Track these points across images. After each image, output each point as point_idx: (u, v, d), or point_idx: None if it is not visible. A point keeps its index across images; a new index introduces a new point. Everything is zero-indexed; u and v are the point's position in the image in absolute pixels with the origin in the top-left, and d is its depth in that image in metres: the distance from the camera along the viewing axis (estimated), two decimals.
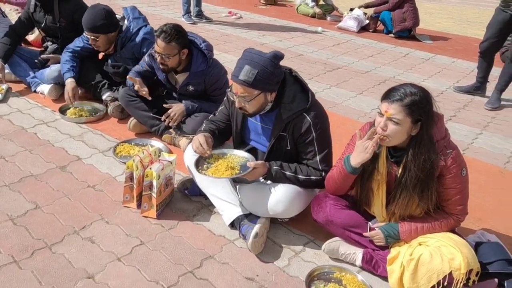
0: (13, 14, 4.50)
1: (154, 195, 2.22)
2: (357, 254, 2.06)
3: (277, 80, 2.08)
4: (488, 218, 2.55)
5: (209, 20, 6.82)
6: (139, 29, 3.27)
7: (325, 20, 7.91)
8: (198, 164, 2.18)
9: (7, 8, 4.62)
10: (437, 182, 1.87)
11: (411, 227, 1.95)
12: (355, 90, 4.50)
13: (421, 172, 1.82)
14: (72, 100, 3.17)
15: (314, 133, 2.12)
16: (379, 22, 7.32)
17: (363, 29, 7.30)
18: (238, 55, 5.29)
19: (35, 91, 3.48)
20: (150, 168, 2.22)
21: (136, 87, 2.90)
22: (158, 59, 2.77)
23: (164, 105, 2.95)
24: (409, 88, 1.80)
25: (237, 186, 2.32)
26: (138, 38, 3.24)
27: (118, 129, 3.11)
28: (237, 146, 2.41)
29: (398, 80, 4.92)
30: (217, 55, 5.10)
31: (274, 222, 2.28)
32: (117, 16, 3.28)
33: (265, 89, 2.04)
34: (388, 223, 2.02)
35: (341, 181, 2.01)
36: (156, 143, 2.94)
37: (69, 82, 3.20)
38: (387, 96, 1.81)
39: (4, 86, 3.42)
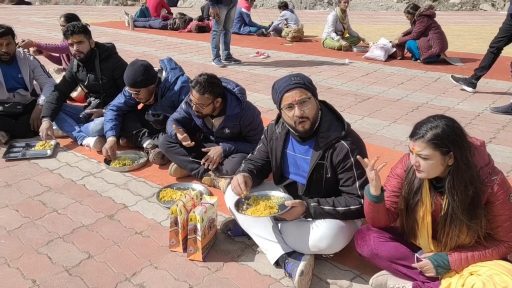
0: (55, 75, 4.83)
1: (199, 238, 2.28)
2: (407, 287, 2.03)
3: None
4: None
5: (238, 62, 7.05)
6: (176, 79, 3.45)
7: (351, 51, 8.02)
8: (238, 205, 2.25)
9: (50, 68, 4.96)
10: (485, 209, 1.84)
11: (461, 256, 1.92)
12: (388, 119, 4.49)
13: (465, 200, 1.81)
14: (110, 157, 3.35)
15: (352, 159, 2.17)
16: (405, 50, 7.35)
17: (390, 57, 7.35)
18: (268, 94, 5.42)
19: (81, 144, 3.69)
20: (194, 212, 2.29)
21: (180, 138, 3.02)
22: (194, 107, 2.92)
23: (203, 149, 3.06)
24: (430, 122, 1.82)
25: (279, 225, 2.35)
26: (176, 87, 3.42)
27: (160, 175, 3.23)
28: (277, 181, 2.47)
29: (431, 106, 4.89)
30: (249, 95, 5.21)
31: (318, 258, 2.28)
32: (155, 68, 3.48)
33: (314, 93, 2.21)
34: (436, 253, 1.99)
35: (371, 212, 2.03)
36: (196, 186, 3.04)
37: (109, 141, 3.41)
38: (412, 133, 1.85)
39: (53, 142, 3.64)
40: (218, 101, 2.93)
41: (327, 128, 2.23)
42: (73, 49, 3.63)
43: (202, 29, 10.14)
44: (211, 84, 2.83)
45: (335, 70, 6.65)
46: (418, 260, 2.04)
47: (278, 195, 2.33)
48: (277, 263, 2.25)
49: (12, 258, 2.31)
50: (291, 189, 2.45)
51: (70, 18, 4.62)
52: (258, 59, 7.41)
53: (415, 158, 1.82)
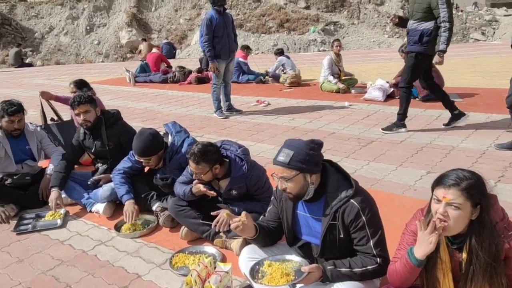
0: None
1: None
2: None
3: (314, 161, 2.18)
4: None
5: (239, 112, 7.16)
6: (183, 141, 3.51)
7: (350, 93, 8.15)
8: (253, 272, 2.23)
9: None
10: (504, 266, 1.81)
11: None
12: (394, 163, 4.51)
13: (489, 257, 1.78)
14: (132, 220, 3.34)
15: (364, 218, 2.16)
16: None
17: (389, 97, 7.46)
18: (272, 143, 5.52)
19: (90, 211, 3.69)
20: (209, 282, 2.26)
21: (203, 190, 3.05)
22: (194, 176, 2.99)
23: (212, 213, 3.06)
24: (461, 172, 1.81)
25: (297, 287, 2.31)
26: (183, 150, 3.46)
27: (171, 238, 3.21)
28: (290, 243, 2.46)
29: (435, 146, 4.92)
30: (252, 145, 5.31)
31: None
32: (161, 133, 3.54)
33: (302, 170, 2.15)
34: None
35: (407, 275, 1.97)
36: (209, 249, 3.01)
37: (129, 204, 3.41)
38: (441, 182, 1.80)
39: (62, 211, 3.64)
40: (217, 168, 2.97)
41: (335, 188, 2.23)
42: (80, 119, 3.72)
43: (202, 80, 10.38)
44: (205, 153, 2.88)
45: (335, 114, 6.74)
46: None
47: (293, 259, 2.31)
48: None
49: None
50: (306, 249, 2.43)
51: (80, 84, 4.74)
52: (259, 108, 7.53)
53: (444, 208, 1.76)
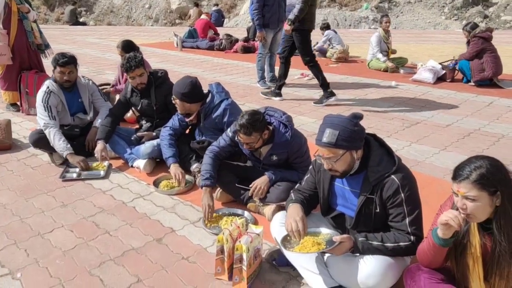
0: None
1: (244, 268, 2.30)
2: None
3: (359, 137, 2.16)
4: None
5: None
6: (221, 101, 3.54)
7: (398, 73, 7.89)
8: (284, 241, 2.26)
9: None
10: None
11: None
12: (437, 146, 4.37)
13: (510, 243, 1.74)
14: (180, 183, 3.41)
15: (402, 195, 2.13)
16: (456, 71, 7.16)
17: (439, 79, 7.17)
18: (313, 117, 5.49)
19: (131, 166, 3.83)
20: (240, 242, 2.31)
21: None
22: (245, 146, 2.98)
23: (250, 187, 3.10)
24: (473, 163, 1.76)
25: (325, 257, 2.33)
26: (220, 110, 3.50)
27: None
28: (324, 213, 2.47)
29: (484, 132, 4.71)
30: (294, 118, 5.23)
31: None
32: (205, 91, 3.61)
33: (349, 148, 2.13)
34: None
35: (433, 255, 1.95)
36: (242, 212, 3.07)
37: (176, 167, 3.47)
38: (454, 176, 1.78)
39: (106, 163, 3.80)
40: (266, 133, 2.97)
41: (377, 163, 2.21)
42: (134, 82, 3.81)
43: (248, 49, 10.33)
44: (254, 123, 2.87)
45: (381, 92, 6.57)
46: None
47: (324, 231, 2.32)
48: None
49: (66, 279, 2.41)
50: (339, 220, 2.44)
51: (128, 47, 4.79)
52: (303, 81, 7.45)
53: (462, 200, 1.75)
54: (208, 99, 3.58)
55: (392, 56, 8.27)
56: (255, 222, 2.97)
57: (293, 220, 2.26)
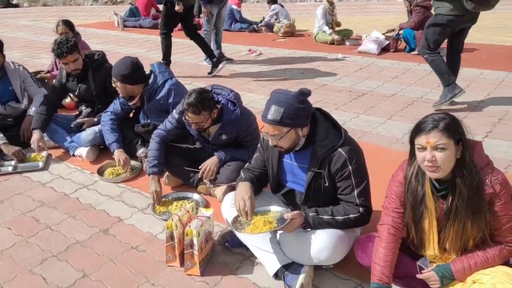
0: None
1: (195, 252, 2.24)
2: None
3: (305, 115, 2.12)
4: None
5: (230, 61, 6.97)
6: (164, 82, 3.39)
7: (344, 45, 7.96)
8: (236, 221, 2.21)
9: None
10: (488, 211, 1.81)
11: (463, 264, 1.88)
12: (383, 116, 4.45)
13: (471, 191, 1.77)
14: (125, 169, 3.26)
15: (350, 168, 2.13)
16: (400, 41, 7.31)
17: (384, 50, 7.30)
18: (262, 94, 5.43)
19: (73, 155, 3.62)
20: (189, 227, 2.24)
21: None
22: (193, 126, 2.86)
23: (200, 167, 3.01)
24: (435, 115, 1.80)
25: (278, 235, 2.31)
26: (164, 90, 3.35)
27: None
28: (275, 190, 2.44)
29: (427, 100, 4.85)
30: (242, 95, 5.13)
31: (318, 268, 2.24)
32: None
33: (294, 125, 2.10)
34: (439, 264, 1.95)
35: None
36: (192, 195, 2.99)
37: (120, 152, 3.31)
38: (420, 129, 1.78)
39: (44, 154, 3.58)
40: (215, 112, 2.88)
41: (324, 137, 2.19)
42: (68, 67, 3.58)
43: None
44: (203, 101, 2.76)
45: (328, 65, 6.60)
46: (421, 269, 2.02)
47: (274, 209, 2.29)
48: (276, 275, 2.21)
49: (5, 279, 2.25)
50: (290, 197, 2.42)
51: (71, 24, 4.53)
52: (251, 57, 7.35)
53: (431, 152, 1.74)
54: (150, 80, 3.41)
55: (337, 28, 8.32)
56: (207, 205, 2.91)
57: (241, 199, 2.21)
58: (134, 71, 3.28)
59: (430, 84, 5.41)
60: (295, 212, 2.18)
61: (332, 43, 8.00)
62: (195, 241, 2.22)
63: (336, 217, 2.17)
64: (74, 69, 3.59)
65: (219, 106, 2.93)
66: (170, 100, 3.34)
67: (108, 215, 2.81)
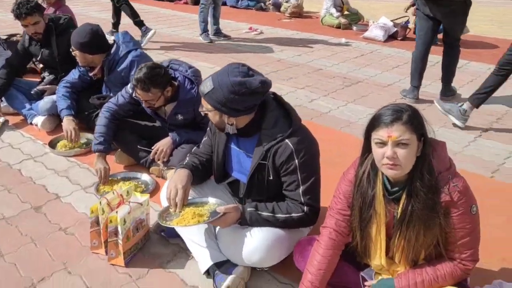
0: None
1: (120, 241, 2.01)
2: None
3: (234, 107, 1.86)
4: None
5: (227, 37, 6.67)
6: (128, 53, 3.13)
7: (351, 30, 7.56)
8: (166, 211, 1.97)
9: None
10: (443, 219, 1.54)
11: (409, 281, 1.62)
12: (374, 106, 4.12)
13: (429, 195, 1.51)
14: (73, 142, 3.03)
15: (296, 161, 1.88)
16: (408, 30, 6.91)
17: (391, 37, 6.90)
18: None
19: (30, 123, 3.41)
20: (116, 212, 2.01)
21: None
22: (144, 104, 2.63)
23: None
24: (396, 106, 1.53)
25: (217, 229, 2.07)
26: (126, 62, 3.10)
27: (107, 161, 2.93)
28: (218, 179, 2.19)
29: (423, 93, 4.50)
30: None
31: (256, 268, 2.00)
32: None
33: (217, 109, 1.88)
34: (382, 279, 1.69)
35: None
36: (143, 176, 2.77)
37: (68, 120, 3.07)
38: (380, 121, 1.50)
39: (1, 120, 3.37)
40: (169, 90, 2.63)
41: (272, 125, 1.93)
42: (28, 30, 3.35)
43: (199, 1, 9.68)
44: (154, 77, 2.52)
45: (329, 50, 6.25)
46: (364, 280, 1.77)
47: (212, 201, 2.04)
48: (209, 273, 1.98)
49: None
50: (235, 188, 2.18)
51: None
52: (250, 35, 7.02)
53: (392, 149, 1.47)
54: (112, 50, 3.16)
55: (346, 12, 7.90)
56: (156, 188, 2.68)
57: (173, 187, 1.96)
58: (93, 39, 3.03)
59: (431, 77, 5.02)
60: (230, 206, 1.93)
61: (338, 27, 7.61)
62: (119, 229, 1.99)
63: (277, 215, 1.92)
64: (35, 33, 3.35)
65: (176, 83, 2.68)
66: (132, 73, 3.07)
67: (46, 190, 2.60)
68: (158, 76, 2.54)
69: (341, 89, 4.62)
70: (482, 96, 3.58)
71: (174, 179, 2.02)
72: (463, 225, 1.54)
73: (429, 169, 1.52)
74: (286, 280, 1.99)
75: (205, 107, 1.91)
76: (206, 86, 1.86)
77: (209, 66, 5.24)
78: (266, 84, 1.88)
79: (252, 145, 2.00)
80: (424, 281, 1.60)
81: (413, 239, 1.57)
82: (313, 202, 1.93)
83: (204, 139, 2.26)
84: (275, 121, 1.94)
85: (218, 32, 6.63)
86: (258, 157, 1.94)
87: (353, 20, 7.79)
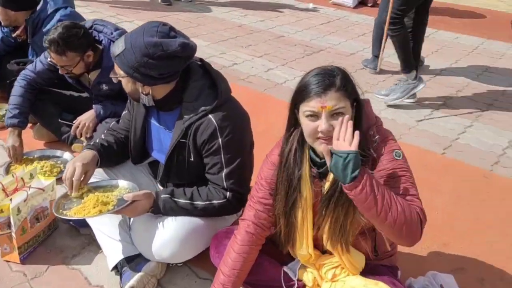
0: None
1: (13, 234, 1.75)
2: None
3: (148, 74, 1.58)
4: (457, 243, 2.01)
5: (188, 0, 6.24)
6: (55, 11, 2.77)
7: None
8: (65, 196, 1.70)
9: None
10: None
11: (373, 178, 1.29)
12: None
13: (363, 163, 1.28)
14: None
15: (220, 140, 1.63)
16: None
17: (361, 3, 6.60)
18: (208, 40, 4.80)
19: None
20: (11, 200, 1.74)
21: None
22: (61, 70, 2.30)
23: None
24: (325, 70, 1.29)
25: (131, 219, 1.82)
26: (52, 22, 2.72)
27: (24, 137, 2.60)
28: (136, 159, 1.92)
29: (387, 63, 4.26)
30: None
31: None
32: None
33: (128, 74, 1.60)
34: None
35: None
36: (64, 155, 2.48)
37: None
38: (309, 90, 1.26)
39: None
40: (90, 55, 2.31)
41: (195, 97, 1.66)
42: None
43: None
44: (70, 38, 2.18)
45: (294, 15, 5.92)
46: (287, 277, 1.56)
47: (122, 185, 1.78)
48: (118, 269, 1.75)
49: None
50: (156, 170, 1.91)
51: None
52: None
53: (327, 121, 1.24)
54: (39, 7, 2.78)
55: None
56: None
57: (71, 165, 1.69)
58: None
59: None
60: (141, 192, 1.68)
61: None
62: (12, 220, 1.72)
63: (195, 202, 1.68)
64: None
65: (100, 47, 2.36)
66: None
67: None
68: (75, 38, 2.21)
69: (300, 58, 4.35)
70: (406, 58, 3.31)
71: (76, 158, 1.75)
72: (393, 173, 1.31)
73: (364, 135, 1.30)
74: (207, 274, 1.79)
75: (117, 72, 1.63)
76: (117, 47, 1.57)
77: None
78: (188, 47, 1.60)
79: (172, 120, 1.74)
80: (384, 191, 1.24)
81: (342, 217, 1.35)
82: (238, 187, 1.69)
83: (124, 112, 1.98)
84: (198, 92, 1.67)
85: None
86: (177, 135, 1.68)
87: None
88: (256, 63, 4.19)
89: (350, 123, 1.22)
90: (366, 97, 1.38)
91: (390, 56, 4.36)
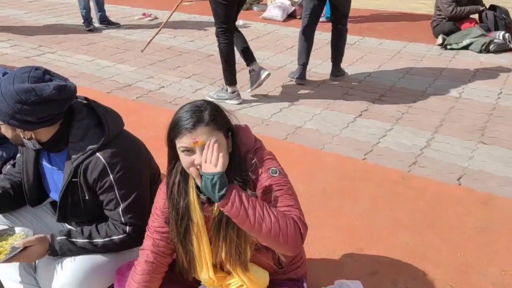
0: None
1: None
2: None
3: (28, 119, 1.52)
4: (373, 247, 2.03)
5: (116, 25, 6.15)
6: None
7: (252, 10, 7.31)
8: None
9: None
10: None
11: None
12: (261, 92, 3.92)
13: (244, 186, 1.34)
14: None
15: (111, 177, 1.59)
16: None
17: (291, 16, 6.74)
18: (135, 65, 4.72)
19: None
20: None
21: None
22: None
23: None
24: (193, 107, 1.32)
25: (36, 261, 1.72)
26: None
27: None
28: (33, 202, 1.82)
29: (313, 73, 4.36)
30: (110, 67, 4.52)
31: None
32: None
33: (5, 122, 1.54)
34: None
35: None
36: None
37: None
38: (180, 127, 1.29)
39: None
40: None
41: (80, 137, 1.61)
42: None
43: None
44: None
45: None
46: None
47: (19, 231, 1.68)
48: None
49: None
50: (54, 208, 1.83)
51: None
52: (143, 22, 6.55)
53: (201, 154, 1.27)
54: None
55: None
56: None
57: None
58: None
59: (324, 55, 4.91)
60: (33, 237, 1.59)
61: None
62: None
63: (94, 240, 1.62)
64: None
65: None
66: None
67: None
68: None
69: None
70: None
71: None
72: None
73: (241, 162, 1.36)
74: None
75: None
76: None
77: (88, 59, 4.77)
78: (64, 89, 1.55)
79: (63, 160, 1.67)
80: (256, 203, 1.26)
81: (235, 237, 1.36)
82: (137, 220, 1.64)
83: (17, 155, 1.89)
84: (84, 132, 1.62)
85: (104, 20, 6.09)
86: (67, 175, 1.63)
87: (254, 0, 7.54)
88: (184, 84, 4.16)
89: (216, 146, 1.25)
90: (243, 124, 1.42)
91: (317, 66, 4.48)
